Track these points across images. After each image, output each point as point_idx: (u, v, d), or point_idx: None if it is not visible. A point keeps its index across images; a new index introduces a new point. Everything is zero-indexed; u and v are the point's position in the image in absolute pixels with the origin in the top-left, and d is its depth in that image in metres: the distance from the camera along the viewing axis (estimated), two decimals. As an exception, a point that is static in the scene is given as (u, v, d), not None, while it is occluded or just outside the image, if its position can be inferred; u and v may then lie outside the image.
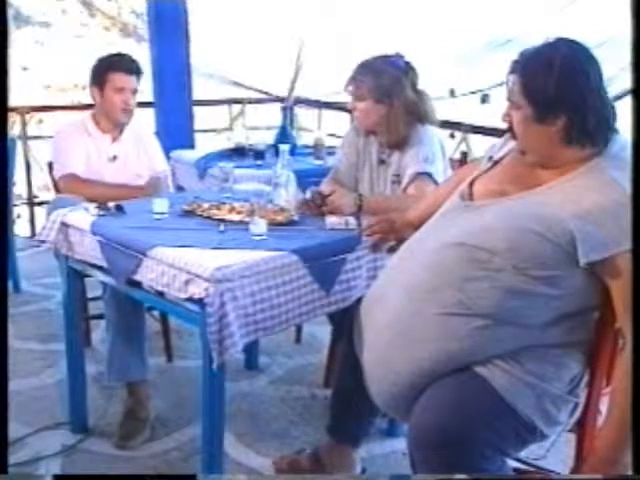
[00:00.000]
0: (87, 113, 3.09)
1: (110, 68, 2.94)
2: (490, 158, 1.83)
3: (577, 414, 1.68)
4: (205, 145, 4.72)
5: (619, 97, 2.31)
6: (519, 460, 1.80)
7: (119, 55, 3.03)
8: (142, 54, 4.90)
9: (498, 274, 1.57)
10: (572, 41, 1.59)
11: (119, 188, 2.93)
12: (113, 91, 2.94)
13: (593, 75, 1.55)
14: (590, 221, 1.49)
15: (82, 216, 2.32)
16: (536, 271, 1.54)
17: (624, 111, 1.61)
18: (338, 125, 4.73)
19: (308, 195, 2.39)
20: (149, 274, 2.03)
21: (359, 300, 1.97)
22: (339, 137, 3.47)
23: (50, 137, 3.22)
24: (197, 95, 5.07)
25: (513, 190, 1.65)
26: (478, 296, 1.59)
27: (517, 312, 1.59)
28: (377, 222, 2.13)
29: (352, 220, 2.25)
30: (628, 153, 1.53)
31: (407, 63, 2.48)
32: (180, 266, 1.92)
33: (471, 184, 1.78)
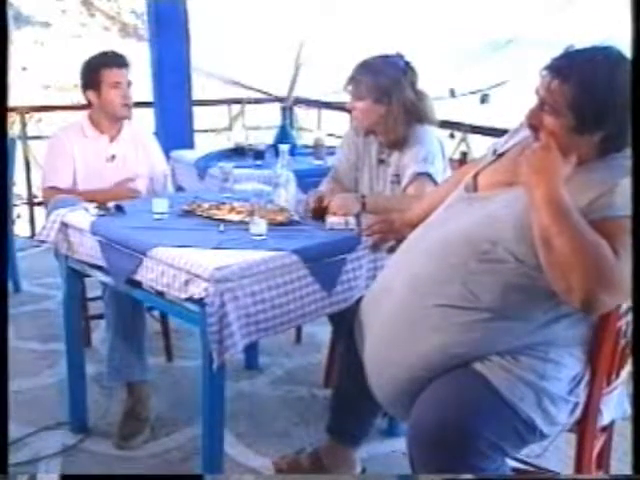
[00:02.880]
0: (83, 114, 3.07)
1: (102, 66, 2.93)
2: (494, 152, 1.83)
3: (577, 414, 1.68)
4: (205, 145, 4.71)
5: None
6: (517, 459, 1.80)
7: (105, 52, 3.02)
8: (142, 54, 4.91)
9: (500, 265, 1.57)
10: (622, 55, 1.54)
11: (103, 193, 2.82)
12: (110, 87, 2.92)
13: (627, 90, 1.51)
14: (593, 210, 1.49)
15: (82, 216, 2.32)
16: (537, 261, 1.53)
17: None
18: (338, 125, 4.73)
19: (311, 204, 2.37)
20: (149, 274, 2.03)
21: (359, 300, 1.97)
22: (339, 137, 3.47)
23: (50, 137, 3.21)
24: (197, 95, 5.07)
25: (520, 180, 1.64)
26: (480, 289, 1.59)
27: (518, 306, 1.59)
28: (377, 222, 2.13)
29: (352, 220, 2.25)
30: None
31: (407, 63, 2.48)
32: (180, 266, 1.92)
33: (475, 177, 1.78)
